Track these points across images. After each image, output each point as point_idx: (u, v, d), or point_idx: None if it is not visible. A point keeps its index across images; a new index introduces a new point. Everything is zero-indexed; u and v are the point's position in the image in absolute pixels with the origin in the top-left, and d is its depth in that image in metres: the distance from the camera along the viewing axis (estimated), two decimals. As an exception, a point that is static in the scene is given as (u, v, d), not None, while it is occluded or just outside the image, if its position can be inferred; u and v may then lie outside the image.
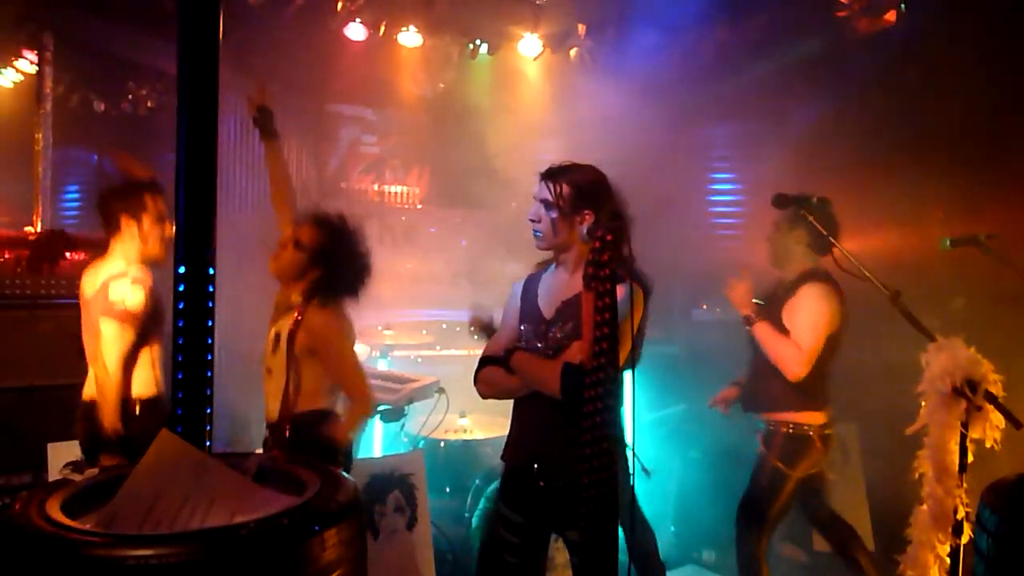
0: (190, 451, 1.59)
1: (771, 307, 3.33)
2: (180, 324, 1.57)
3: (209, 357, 1.61)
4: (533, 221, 2.40)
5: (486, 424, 4.43)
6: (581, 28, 5.70)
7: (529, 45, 5.83)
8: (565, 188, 2.38)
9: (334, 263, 2.88)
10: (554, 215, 2.37)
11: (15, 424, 3.76)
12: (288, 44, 5.38)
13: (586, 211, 2.38)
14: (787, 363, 3.14)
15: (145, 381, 3.12)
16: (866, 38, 4.90)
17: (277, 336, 2.87)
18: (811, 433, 3.22)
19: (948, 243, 3.25)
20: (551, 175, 2.42)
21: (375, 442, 4.29)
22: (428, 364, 5.36)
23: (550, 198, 2.38)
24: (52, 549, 1.32)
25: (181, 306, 1.57)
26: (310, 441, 2.76)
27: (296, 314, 2.81)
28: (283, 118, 6.33)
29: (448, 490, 4.26)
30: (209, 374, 1.61)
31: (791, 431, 3.24)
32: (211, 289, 1.60)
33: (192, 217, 1.63)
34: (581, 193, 2.39)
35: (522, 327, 2.48)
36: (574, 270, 2.40)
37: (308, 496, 1.56)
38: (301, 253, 2.88)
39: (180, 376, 1.58)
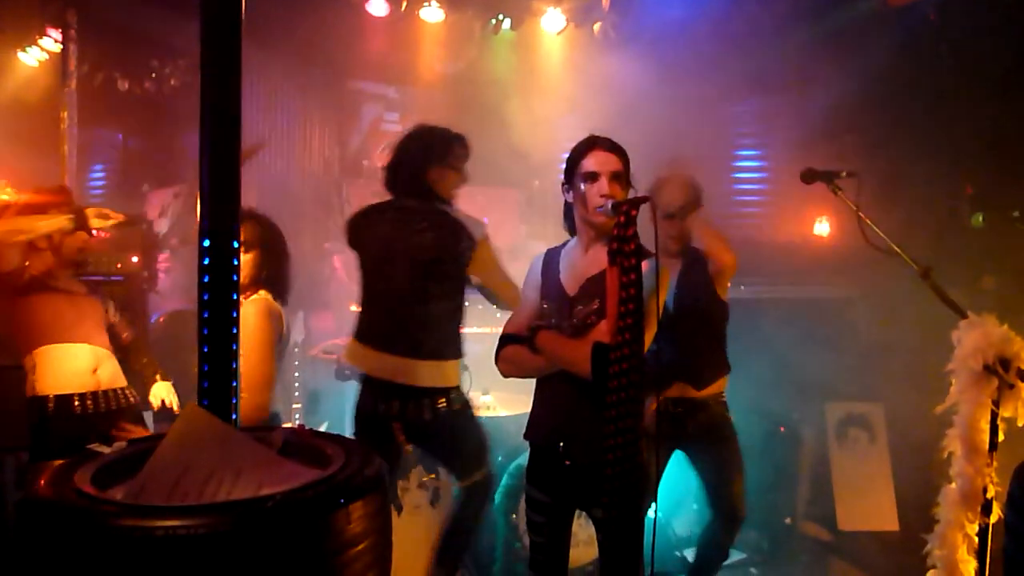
0: (216, 424, 1.61)
1: None
2: (205, 297, 1.58)
3: (235, 330, 1.62)
4: (605, 196, 2.27)
5: (509, 401, 4.44)
6: (605, 2, 5.62)
7: (552, 20, 5.77)
8: (625, 157, 2.35)
9: (274, 253, 2.90)
10: (621, 185, 2.31)
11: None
12: (310, 20, 5.37)
13: (629, 183, 2.36)
14: None
15: None
16: (895, 10, 4.80)
17: None
18: None
19: (980, 219, 3.19)
20: (615, 146, 2.35)
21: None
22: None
23: (622, 168, 2.33)
24: (82, 521, 1.34)
25: (206, 279, 1.57)
26: None
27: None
28: (305, 95, 6.36)
29: (471, 467, 4.28)
30: (235, 347, 1.62)
31: None
32: (236, 262, 1.60)
33: (216, 191, 1.63)
34: (629, 164, 2.37)
35: (544, 305, 2.45)
36: (599, 246, 2.36)
37: (333, 469, 1.57)
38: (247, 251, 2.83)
39: (206, 350, 1.59)
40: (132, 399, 3.31)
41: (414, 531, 3.57)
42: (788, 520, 4.05)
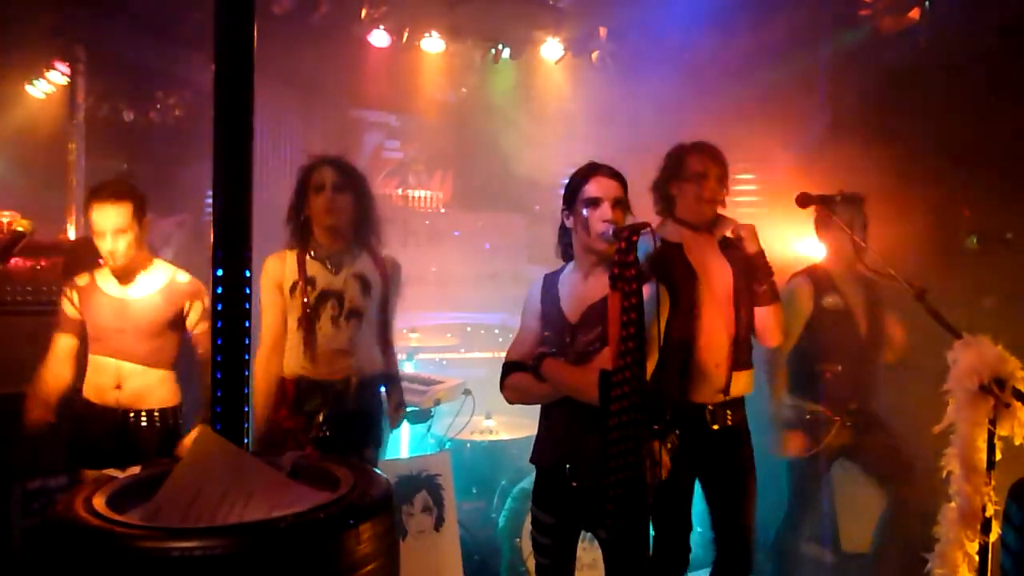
0: (229, 448, 1.65)
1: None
2: (219, 325, 1.63)
3: (246, 357, 1.66)
4: (608, 222, 2.29)
5: (512, 425, 4.46)
6: (602, 31, 5.73)
7: (551, 49, 5.87)
8: (624, 184, 2.39)
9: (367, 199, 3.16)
10: (622, 211, 2.35)
11: (52, 427, 3.83)
12: (313, 51, 5.46)
13: (629, 208, 2.39)
14: None
15: None
16: (890, 36, 4.88)
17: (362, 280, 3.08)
18: None
19: (975, 241, 3.24)
20: (616, 172, 2.39)
21: (402, 443, 4.34)
22: (453, 366, 5.42)
23: (623, 195, 2.37)
24: (101, 542, 1.37)
25: (219, 308, 1.62)
26: None
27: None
28: (308, 123, 6.43)
29: (475, 491, 4.30)
30: (246, 373, 1.66)
31: None
32: (248, 291, 1.66)
33: (228, 221, 1.68)
34: (627, 190, 2.41)
35: (545, 332, 2.47)
36: (599, 272, 2.39)
37: (343, 491, 1.61)
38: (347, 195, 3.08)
39: (219, 376, 1.63)
40: (157, 423, 3.18)
41: (418, 555, 3.59)
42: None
